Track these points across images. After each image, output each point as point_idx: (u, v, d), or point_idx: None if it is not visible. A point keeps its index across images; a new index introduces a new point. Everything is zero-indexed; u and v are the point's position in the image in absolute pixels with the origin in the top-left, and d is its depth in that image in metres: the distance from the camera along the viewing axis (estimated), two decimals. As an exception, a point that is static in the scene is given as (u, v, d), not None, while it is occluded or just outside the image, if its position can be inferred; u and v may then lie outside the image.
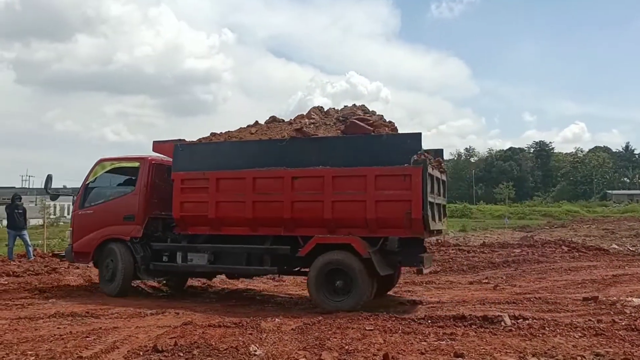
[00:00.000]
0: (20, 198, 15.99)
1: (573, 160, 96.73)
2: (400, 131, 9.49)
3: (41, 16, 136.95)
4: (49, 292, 9.94)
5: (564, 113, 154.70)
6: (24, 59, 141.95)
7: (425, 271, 9.00)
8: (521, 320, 6.75)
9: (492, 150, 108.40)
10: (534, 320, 6.70)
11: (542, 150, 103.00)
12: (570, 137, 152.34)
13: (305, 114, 10.04)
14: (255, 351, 5.70)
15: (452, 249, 17.36)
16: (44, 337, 6.42)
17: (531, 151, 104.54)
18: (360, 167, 8.30)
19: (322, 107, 10.37)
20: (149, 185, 9.94)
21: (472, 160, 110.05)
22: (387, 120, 9.63)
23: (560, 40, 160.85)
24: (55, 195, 12.09)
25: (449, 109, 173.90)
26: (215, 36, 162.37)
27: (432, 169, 8.43)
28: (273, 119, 10.22)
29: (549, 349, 5.63)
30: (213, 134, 10.20)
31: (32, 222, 35.40)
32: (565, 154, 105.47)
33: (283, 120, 10.16)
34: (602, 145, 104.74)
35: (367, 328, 6.55)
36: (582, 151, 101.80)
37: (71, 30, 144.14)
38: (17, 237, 15.14)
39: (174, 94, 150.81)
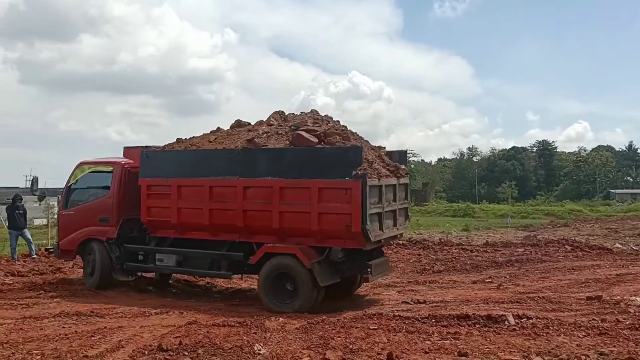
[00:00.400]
0: (21, 199, 16.10)
1: (576, 160, 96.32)
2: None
3: (45, 16, 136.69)
4: (53, 292, 9.98)
5: (567, 112, 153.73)
6: (28, 59, 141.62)
7: (372, 279, 9.01)
8: (525, 319, 6.74)
9: (495, 149, 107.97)
10: (538, 320, 6.70)
11: (545, 149, 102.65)
12: (573, 136, 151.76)
13: (265, 119, 10.21)
14: (260, 350, 5.73)
15: (455, 248, 17.30)
16: (50, 337, 6.48)
17: (534, 150, 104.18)
18: (305, 180, 8.53)
19: (282, 112, 10.47)
20: (122, 188, 10.38)
21: (474, 159, 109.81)
22: (341, 128, 9.67)
23: (563, 38, 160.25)
24: (42, 196, 13.46)
25: (451, 108, 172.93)
26: (218, 36, 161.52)
27: (380, 179, 8.53)
28: (238, 124, 10.38)
29: (553, 348, 5.64)
30: (179, 140, 10.47)
31: (36, 221, 35.49)
32: (569, 153, 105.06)
33: (249, 123, 10.31)
34: (606, 145, 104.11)
35: (371, 327, 6.56)
36: (585, 150, 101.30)
37: (75, 31, 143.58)
38: (19, 237, 15.21)
39: (177, 94, 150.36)
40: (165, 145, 10.48)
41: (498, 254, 15.46)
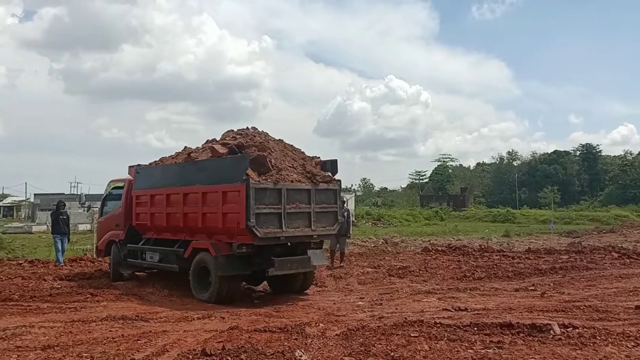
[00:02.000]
0: (65, 205, 16.78)
1: (622, 163, 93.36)
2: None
3: (89, 28, 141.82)
4: (99, 296, 10.25)
5: (612, 114, 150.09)
6: (73, 69, 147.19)
7: (272, 273, 9.87)
8: (571, 328, 6.56)
9: (536, 153, 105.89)
10: (585, 329, 6.52)
11: (589, 153, 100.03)
12: (618, 139, 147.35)
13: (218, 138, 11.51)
14: (301, 356, 5.75)
15: (496, 255, 17.01)
16: (98, 340, 6.65)
17: (577, 154, 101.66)
18: (216, 185, 9.93)
19: (232, 130, 11.41)
20: (128, 200, 12.48)
21: (514, 163, 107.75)
22: (261, 140, 10.31)
23: (606, 38, 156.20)
24: (89, 207, 18.17)
25: (490, 112, 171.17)
26: (256, 43, 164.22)
27: (278, 183, 9.61)
28: (206, 142, 11.63)
29: (600, 359, 5.49)
30: (161, 158, 12.37)
31: (80, 227, 36.59)
32: (614, 156, 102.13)
33: (215, 140, 11.34)
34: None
35: (412, 334, 6.50)
36: (631, 154, 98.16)
37: (117, 41, 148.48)
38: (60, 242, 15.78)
39: (215, 101, 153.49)
40: (151, 162, 12.49)
41: (541, 261, 15.13)
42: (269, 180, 9.55)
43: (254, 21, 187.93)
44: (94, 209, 18.80)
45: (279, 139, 11.00)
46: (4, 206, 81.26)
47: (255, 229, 9.26)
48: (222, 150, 10.25)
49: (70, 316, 8.43)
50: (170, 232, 11.19)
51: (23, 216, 69.22)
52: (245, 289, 11.58)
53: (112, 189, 13.57)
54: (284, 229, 9.68)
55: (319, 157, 10.94)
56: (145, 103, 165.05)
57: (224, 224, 9.75)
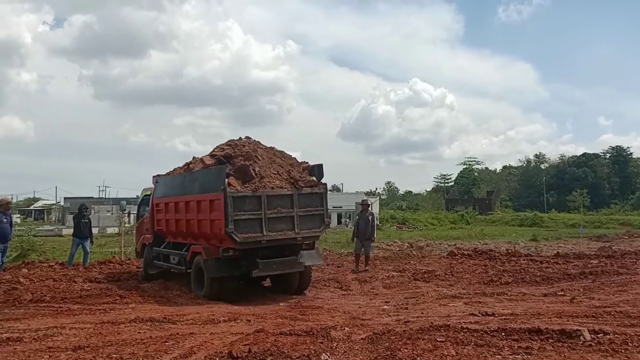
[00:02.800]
0: (87, 208, 17.10)
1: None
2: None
3: (117, 34, 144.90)
4: (128, 298, 10.44)
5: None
6: (102, 75, 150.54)
7: (256, 274, 10.51)
8: (601, 334, 6.43)
9: (565, 156, 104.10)
10: (616, 335, 6.39)
11: (620, 155, 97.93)
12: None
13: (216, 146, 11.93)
14: (327, 360, 5.75)
15: (524, 259, 16.74)
16: (127, 341, 6.76)
17: (607, 157, 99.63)
18: (204, 194, 10.64)
19: (233, 139, 11.89)
20: (153, 207, 13.27)
21: (542, 166, 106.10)
22: (247, 150, 10.86)
23: (635, 38, 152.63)
24: (128, 213, 20.61)
25: (517, 114, 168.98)
26: (280, 48, 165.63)
27: (257, 190, 10.18)
28: (215, 149, 11.96)
29: (633, 366, 5.37)
30: (175, 169, 13.10)
31: (109, 230, 37.27)
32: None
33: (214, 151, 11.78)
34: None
35: (438, 339, 6.44)
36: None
37: (145, 47, 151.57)
38: (80, 246, 16.06)
39: (240, 105, 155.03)
40: (167, 172, 13.27)
41: (570, 266, 14.83)
42: (249, 188, 10.17)
43: (279, 26, 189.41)
44: (133, 214, 19.81)
45: (270, 147, 11.56)
46: (35, 209, 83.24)
47: (234, 234, 9.90)
48: (209, 161, 11.11)
49: (100, 317, 8.58)
50: (181, 237, 12.00)
51: (53, 219, 70.83)
52: (267, 293, 11.64)
53: (144, 195, 14.53)
54: (265, 233, 10.23)
55: (307, 163, 11.40)
56: (172, 108, 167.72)
57: (211, 229, 10.45)
